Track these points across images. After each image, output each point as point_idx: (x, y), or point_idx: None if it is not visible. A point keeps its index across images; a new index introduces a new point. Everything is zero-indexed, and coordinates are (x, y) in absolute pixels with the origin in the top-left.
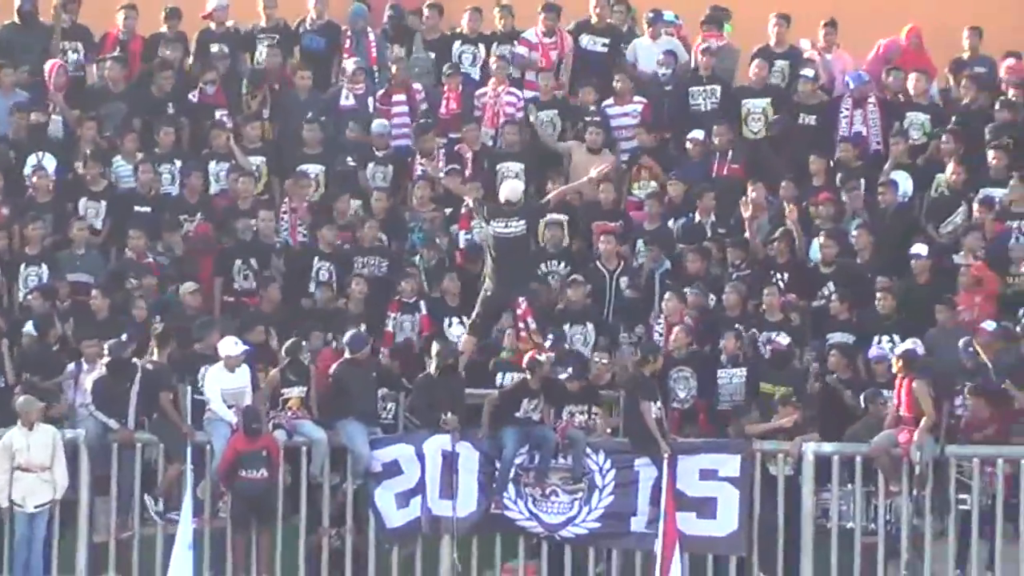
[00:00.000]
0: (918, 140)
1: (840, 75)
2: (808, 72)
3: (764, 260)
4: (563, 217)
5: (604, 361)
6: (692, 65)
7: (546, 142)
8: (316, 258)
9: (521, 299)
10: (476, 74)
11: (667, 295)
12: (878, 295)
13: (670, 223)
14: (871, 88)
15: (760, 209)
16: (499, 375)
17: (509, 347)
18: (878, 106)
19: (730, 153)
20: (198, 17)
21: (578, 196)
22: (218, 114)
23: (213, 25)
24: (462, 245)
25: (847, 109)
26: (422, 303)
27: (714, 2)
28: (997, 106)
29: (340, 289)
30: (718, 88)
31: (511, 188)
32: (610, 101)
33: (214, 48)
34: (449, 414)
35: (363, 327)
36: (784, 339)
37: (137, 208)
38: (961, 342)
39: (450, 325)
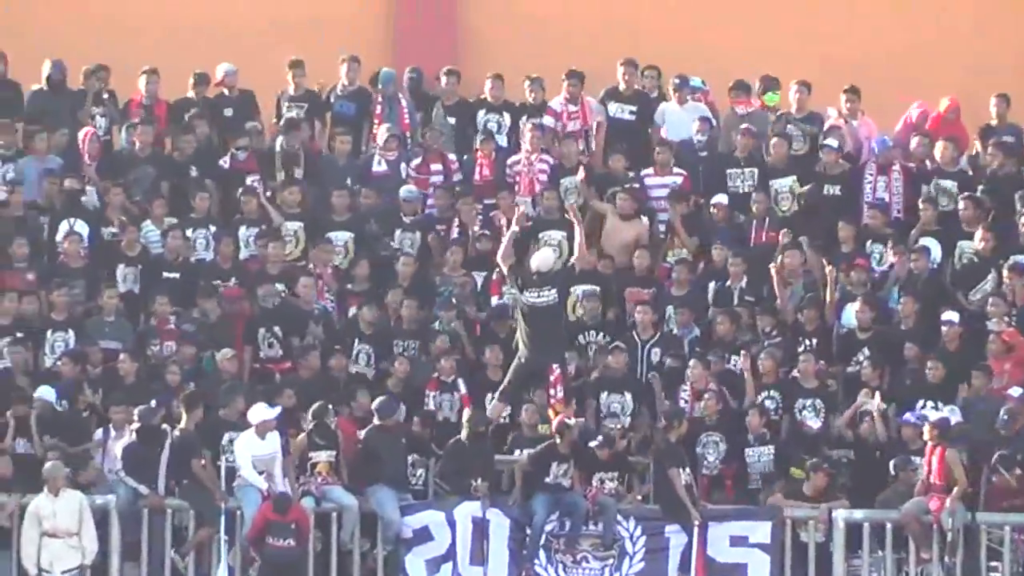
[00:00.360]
0: (946, 206)
1: (866, 141)
2: (832, 142)
3: (794, 326)
4: (596, 288)
5: (616, 427)
6: (723, 137)
7: (585, 199)
8: (356, 340)
9: (555, 366)
10: (503, 141)
11: (692, 362)
12: (929, 364)
13: (710, 286)
14: (896, 154)
15: (795, 275)
16: (516, 451)
17: (528, 422)
18: (902, 173)
19: (767, 220)
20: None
21: (611, 262)
22: (249, 179)
23: (227, 91)
24: (487, 312)
25: (871, 175)
26: (460, 381)
27: (738, 69)
28: None
29: (378, 370)
30: (756, 171)
31: (542, 258)
32: (650, 171)
33: (246, 124)
34: (479, 480)
35: (403, 408)
36: (815, 423)
37: (165, 274)
38: (1002, 410)
39: (491, 401)
